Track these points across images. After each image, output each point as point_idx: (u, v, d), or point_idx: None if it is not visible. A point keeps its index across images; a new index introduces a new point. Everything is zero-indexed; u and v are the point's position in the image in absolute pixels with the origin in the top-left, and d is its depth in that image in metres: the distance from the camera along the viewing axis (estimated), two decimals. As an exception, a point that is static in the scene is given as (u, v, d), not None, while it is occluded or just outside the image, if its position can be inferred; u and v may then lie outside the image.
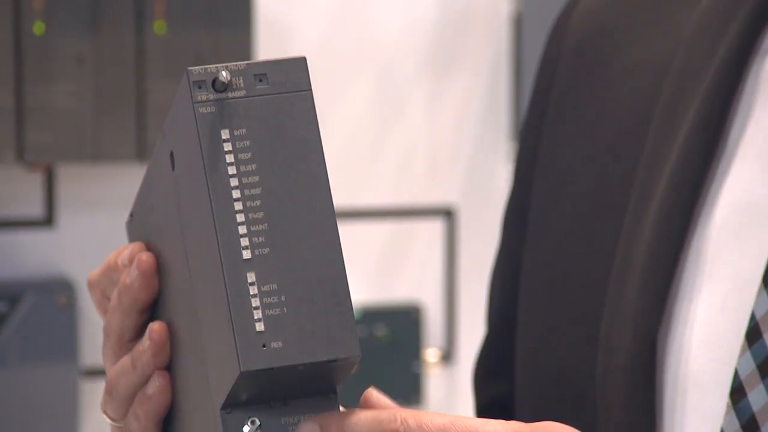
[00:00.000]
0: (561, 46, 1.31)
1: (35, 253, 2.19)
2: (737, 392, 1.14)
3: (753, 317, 1.13)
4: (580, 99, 1.29)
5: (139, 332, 1.10)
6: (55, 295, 2.13)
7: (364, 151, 2.28)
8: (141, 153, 2.07)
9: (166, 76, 2.08)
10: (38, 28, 2.04)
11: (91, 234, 2.17)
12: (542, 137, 1.29)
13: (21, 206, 2.19)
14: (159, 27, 2.08)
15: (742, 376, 1.14)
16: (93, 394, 2.13)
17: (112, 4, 2.06)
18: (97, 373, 2.10)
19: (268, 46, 2.15)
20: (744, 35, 1.22)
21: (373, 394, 1.09)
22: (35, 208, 2.19)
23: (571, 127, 1.29)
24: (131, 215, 1.15)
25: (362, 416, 1.02)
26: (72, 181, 2.18)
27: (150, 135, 2.07)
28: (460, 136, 2.31)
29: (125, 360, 1.09)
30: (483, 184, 2.19)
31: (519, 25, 2.28)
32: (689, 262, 1.19)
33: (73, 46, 2.05)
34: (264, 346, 1.00)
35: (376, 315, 2.27)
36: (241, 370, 1.00)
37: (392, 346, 2.26)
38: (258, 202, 1.03)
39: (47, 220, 2.19)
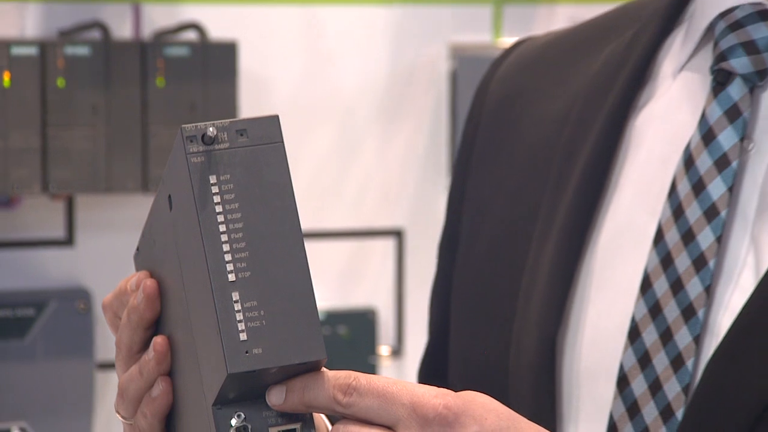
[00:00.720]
0: (482, 106, 1.29)
1: (58, 268, 2.16)
2: (622, 382, 1.13)
3: (633, 320, 1.15)
4: (498, 147, 1.28)
5: (145, 345, 1.08)
6: (75, 302, 2.11)
7: (328, 182, 2.26)
8: (144, 185, 2.05)
9: (165, 122, 2.06)
10: (60, 82, 2.02)
11: (104, 251, 2.15)
12: (468, 179, 1.28)
13: (46, 229, 2.17)
14: (160, 82, 2.06)
15: (626, 368, 1.13)
16: (105, 383, 2.12)
17: (121, 63, 2.05)
18: (108, 366, 2.08)
19: (249, 97, 2.14)
20: (624, 94, 1.22)
21: None
22: (58, 231, 2.17)
23: (490, 170, 1.27)
24: (137, 249, 1.12)
25: (323, 375, 1.01)
26: (88, 208, 2.16)
27: (152, 171, 2.05)
28: (407, 171, 2.29)
29: (134, 368, 1.08)
30: (426, 211, 2.17)
31: (454, 80, 2.26)
32: (581, 278, 1.20)
33: (89, 98, 2.04)
34: (247, 352, 0.99)
35: (338, 318, 2.25)
36: (228, 372, 1.00)
37: (352, 343, 2.25)
38: (240, 234, 1.02)
39: (68, 240, 2.17)
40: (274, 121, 1.04)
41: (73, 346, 2.11)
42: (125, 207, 2.09)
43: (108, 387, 2.08)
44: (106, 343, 2.08)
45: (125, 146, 2.06)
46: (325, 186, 2.24)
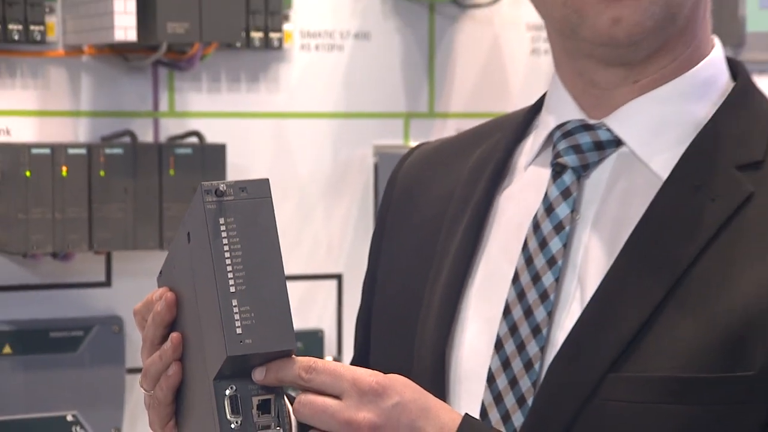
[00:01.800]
0: (392, 190, 1.30)
1: (100, 302, 2.15)
2: (490, 380, 1.14)
3: (498, 336, 1.14)
4: (403, 218, 1.28)
5: (164, 339, 1.08)
6: (111, 326, 2.10)
7: (290, 240, 2.24)
8: (160, 244, 2.03)
9: (175, 200, 2.04)
10: (102, 173, 2.01)
11: (132, 290, 2.13)
12: (383, 240, 1.30)
13: (91, 275, 2.15)
14: (171, 172, 2.05)
15: (493, 370, 1.14)
16: (132, 383, 2.09)
17: (144, 159, 2.04)
18: (135, 371, 2.06)
19: None
20: (491, 180, 1.22)
21: None
22: (100, 276, 2.16)
23: (398, 234, 1.28)
24: (161, 273, 1.13)
25: (293, 359, 1.01)
26: (121, 260, 2.16)
27: (165, 234, 2.03)
28: (345, 232, 2.28)
29: (155, 355, 1.08)
30: (358, 261, 2.17)
31: (377, 170, 2.26)
32: (462, 308, 1.18)
33: (121, 183, 2.02)
34: (241, 341, 1.00)
35: (297, 336, 2.23)
36: (228, 355, 1.01)
37: (306, 354, 2.21)
38: (239, 260, 1.02)
39: (107, 283, 2.16)
40: (265, 182, 1.04)
41: (109, 357, 2.09)
42: (146, 259, 2.09)
43: (134, 386, 2.06)
44: (134, 355, 2.07)
45: (147, 217, 2.04)
46: (287, 242, 2.19)
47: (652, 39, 1.11)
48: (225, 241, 1.02)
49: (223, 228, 1.02)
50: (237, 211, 1.03)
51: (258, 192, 1.04)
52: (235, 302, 1.01)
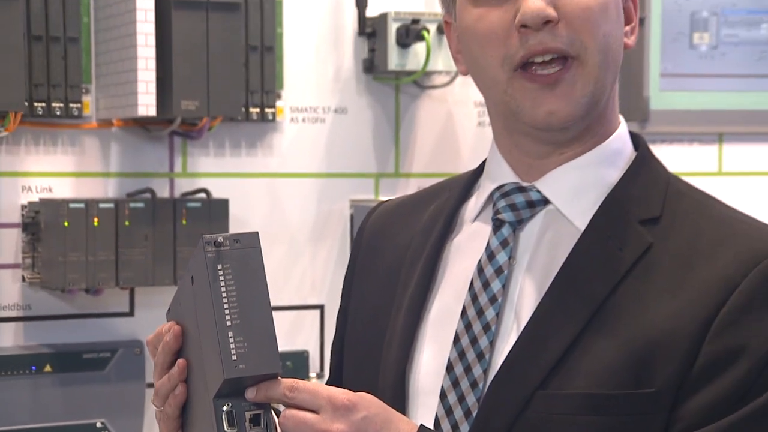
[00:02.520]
0: (361, 239, 1.31)
1: (124, 329, 2.13)
2: (442, 396, 1.13)
3: (449, 360, 1.13)
4: (370, 263, 1.27)
5: (172, 364, 1.08)
6: (134, 349, 2.08)
7: (281, 276, 2.22)
8: (174, 281, 2.02)
9: (187, 245, 2.03)
10: (127, 222, 1.99)
11: (151, 319, 2.12)
12: (354, 279, 1.30)
13: (117, 307, 2.13)
14: (184, 222, 2.04)
15: (445, 388, 1.14)
16: (151, 396, 2.07)
17: (162, 211, 2.02)
18: (153, 386, 2.03)
19: (234, 230, 2.13)
20: (442, 232, 1.21)
21: None
22: (125, 308, 2.14)
23: (366, 276, 1.27)
24: (169, 309, 1.12)
25: (279, 380, 1.01)
26: (142, 294, 2.14)
27: (179, 273, 2.02)
28: (326, 270, 2.27)
29: (165, 377, 1.08)
30: (338, 294, 2.17)
31: (353, 219, 2.25)
32: (419, 337, 1.17)
33: (143, 231, 2.01)
34: (236, 366, 0.99)
35: (286, 356, 2.20)
36: (225, 378, 0.99)
37: (294, 370, 2.19)
38: (234, 299, 1.01)
39: (131, 313, 2.14)
40: (255, 235, 1.04)
41: (132, 374, 2.07)
42: (163, 293, 2.06)
43: (153, 398, 2.03)
44: (152, 373, 2.03)
45: (164, 259, 2.03)
46: (279, 279, 2.22)
47: (580, 124, 1.11)
48: (222, 283, 1.01)
49: (220, 273, 1.02)
50: (232, 259, 1.02)
51: (249, 243, 1.03)
52: (231, 334, 1.00)
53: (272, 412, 1.03)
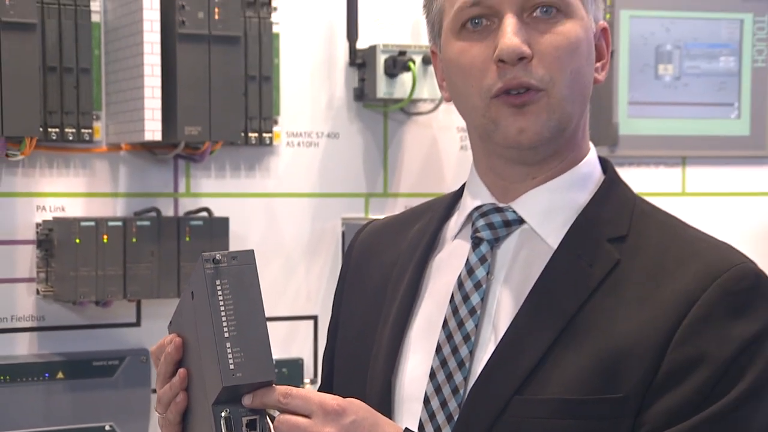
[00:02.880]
0: (350, 256, 1.31)
1: (132, 338, 2.12)
2: (426, 402, 1.13)
3: (432, 368, 1.13)
4: (359, 279, 1.27)
5: (173, 374, 1.07)
6: (140, 357, 2.07)
7: (278, 289, 2.22)
8: (178, 294, 2.00)
9: (190, 260, 2.02)
10: (134, 240, 1.99)
11: (156, 329, 2.11)
12: (344, 294, 1.30)
13: (125, 318, 2.12)
14: (187, 239, 2.03)
15: (428, 394, 1.14)
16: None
17: (166, 229, 2.02)
18: None
19: (234, 246, 2.11)
20: (426, 249, 1.22)
21: None
22: (132, 319, 2.13)
23: (355, 290, 1.27)
24: (171, 322, 1.12)
25: (273, 388, 1.01)
26: (148, 306, 2.13)
27: (182, 286, 2.00)
28: (320, 284, 2.26)
29: (166, 386, 1.07)
30: (331, 306, 2.17)
31: (344, 236, 2.24)
32: (404, 347, 1.17)
33: (149, 247, 2.01)
34: (233, 375, 0.99)
35: (281, 363, 2.19)
36: (223, 385, 0.99)
37: (289, 377, 2.19)
38: (231, 312, 1.02)
39: (137, 323, 2.13)
40: (251, 252, 1.04)
41: (139, 381, 2.07)
42: (168, 305, 2.06)
43: (158, 403, 2.02)
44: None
45: (168, 273, 2.02)
46: (275, 291, 2.22)
47: (547, 146, 1.12)
48: (220, 297, 1.01)
49: (218, 288, 1.01)
50: (229, 275, 1.02)
51: (245, 260, 1.03)
52: (228, 344, 1.00)
53: (267, 417, 1.03)
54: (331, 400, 1.01)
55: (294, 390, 1.02)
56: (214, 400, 1.00)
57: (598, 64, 1.15)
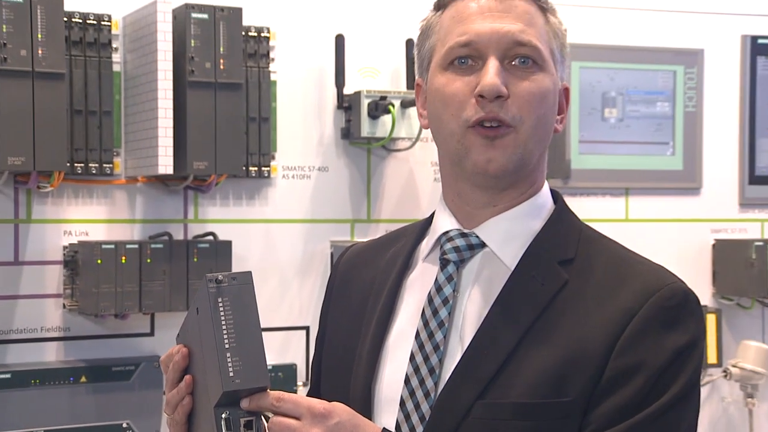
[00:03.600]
0: (335, 276, 1.30)
1: (146, 347, 2.11)
2: (402, 404, 1.13)
3: (407, 375, 1.12)
4: (342, 296, 1.26)
5: (180, 379, 1.06)
6: (153, 363, 2.06)
7: (274, 305, 2.20)
8: (187, 307, 1.99)
9: (198, 278, 2.01)
10: (149, 260, 1.98)
11: (168, 339, 2.09)
12: (329, 308, 1.28)
13: (140, 329, 2.11)
14: (195, 260, 2.02)
15: (403, 398, 1.13)
16: None
17: (177, 251, 2.02)
18: None
19: (237, 267, 2.11)
20: (401, 269, 1.21)
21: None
22: (147, 329, 2.12)
23: (340, 306, 1.26)
24: (178, 334, 1.10)
25: (267, 392, 1.00)
26: (161, 318, 2.12)
27: (190, 301, 2.00)
28: (312, 298, 2.24)
29: (174, 390, 1.07)
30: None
31: (333, 257, 2.24)
32: (382, 356, 1.16)
33: (162, 267, 2.00)
34: (233, 381, 0.99)
35: (277, 368, 2.17)
36: (224, 390, 0.98)
37: (284, 380, 2.17)
38: (231, 326, 1.00)
39: (151, 333, 2.12)
40: (249, 273, 1.04)
41: (152, 384, 2.05)
42: (178, 318, 2.03)
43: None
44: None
45: (178, 290, 2.01)
46: (272, 305, 2.21)
47: (510, 177, 1.13)
48: (222, 313, 1.01)
49: (220, 305, 1.01)
50: (230, 293, 1.02)
51: (244, 280, 1.03)
52: (228, 354, 1.00)
53: (263, 418, 1.03)
54: (318, 404, 1.01)
55: (285, 395, 1.01)
56: (216, 403, 1.00)
57: (558, 117, 1.16)
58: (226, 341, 1.00)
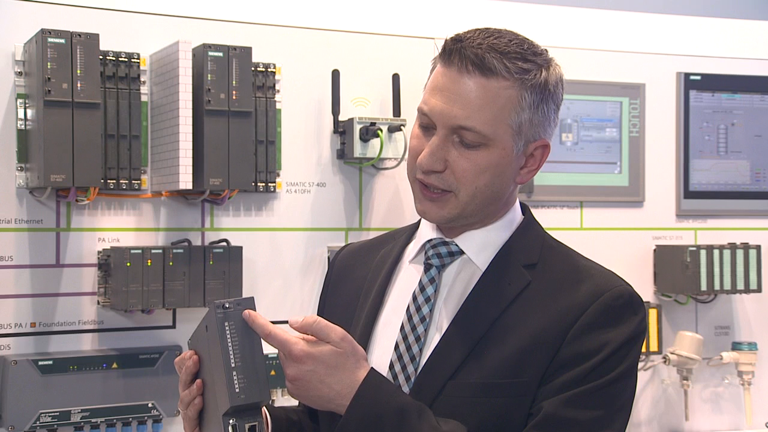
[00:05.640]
0: (332, 271, 1.28)
1: (168, 337, 2.10)
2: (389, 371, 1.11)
3: (391, 361, 1.12)
4: (338, 287, 1.25)
5: (192, 381, 1.06)
6: (176, 352, 2.05)
7: (276, 306, 2.18)
8: (204, 304, 1.98)
9: (213, 279, 2.00)
10: (171, 263, 1.97)
11: (188, 331, 2.07)
12: (327, 299, 1.26)
13: (164, 322, 2.10)
14: (211, 262, 2.01)
15: (393, 373, 1.11)
16: None
17: (195, 255, 2.00)
18: None
19: (247, 279, 2.09)
20: (390, 269, 1.20)
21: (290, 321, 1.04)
22: (169, 322, 2.11)
23: (336, 296, 1.24)
24: (190, 338, 1.08)
25: (265, 323, 0.98)
26: (182, 313, 2.11)
27: (207, 298, 1.97)
28: (312, 296, 2.23)
29: (186, 391, 1.07)
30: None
31: (329, 260, 2.22)
32: (371, 342, 1.16)
33: (182, 269, 1.99)
34: (238, 396, 0.97)
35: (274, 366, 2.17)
36: (230, 405, 0.98)
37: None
38: (237, 346, 0.99)
39: (173, 326, 2.11)
40: (252, 299, 1.02)
41: (173, 369, 1.98)
42: (196, 312, 2.05)
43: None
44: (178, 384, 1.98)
45: (197, 288, 2.00)
46: (277, 303, 2.19)
47: (459, 221, 1.12)
48: (228, 335, 1.00)
49: (227, 328, 1.00)
50: (235, 317, 1.00)
51: (248, 305, 1.02)
52: (234, 373, 0.99)
53: (265, 423, 1.03)
54: (296, 347, 0.99)
55: (273, 332, 1.00)
56: (224, 413, 0.99)
57: (524, 170, 1.12)
58: (232, 361, 0.98)
